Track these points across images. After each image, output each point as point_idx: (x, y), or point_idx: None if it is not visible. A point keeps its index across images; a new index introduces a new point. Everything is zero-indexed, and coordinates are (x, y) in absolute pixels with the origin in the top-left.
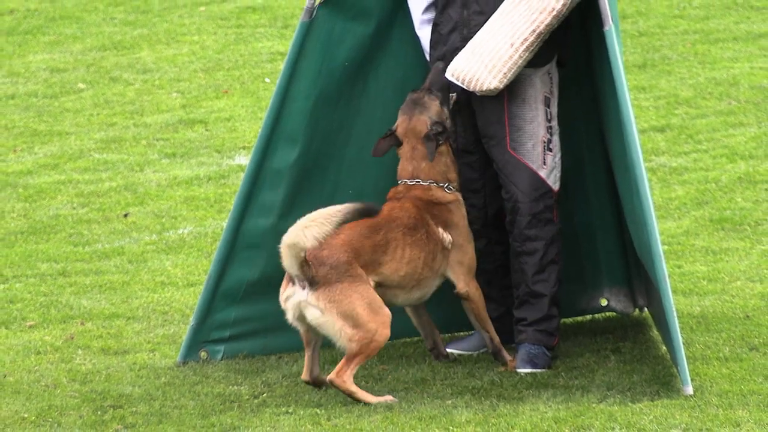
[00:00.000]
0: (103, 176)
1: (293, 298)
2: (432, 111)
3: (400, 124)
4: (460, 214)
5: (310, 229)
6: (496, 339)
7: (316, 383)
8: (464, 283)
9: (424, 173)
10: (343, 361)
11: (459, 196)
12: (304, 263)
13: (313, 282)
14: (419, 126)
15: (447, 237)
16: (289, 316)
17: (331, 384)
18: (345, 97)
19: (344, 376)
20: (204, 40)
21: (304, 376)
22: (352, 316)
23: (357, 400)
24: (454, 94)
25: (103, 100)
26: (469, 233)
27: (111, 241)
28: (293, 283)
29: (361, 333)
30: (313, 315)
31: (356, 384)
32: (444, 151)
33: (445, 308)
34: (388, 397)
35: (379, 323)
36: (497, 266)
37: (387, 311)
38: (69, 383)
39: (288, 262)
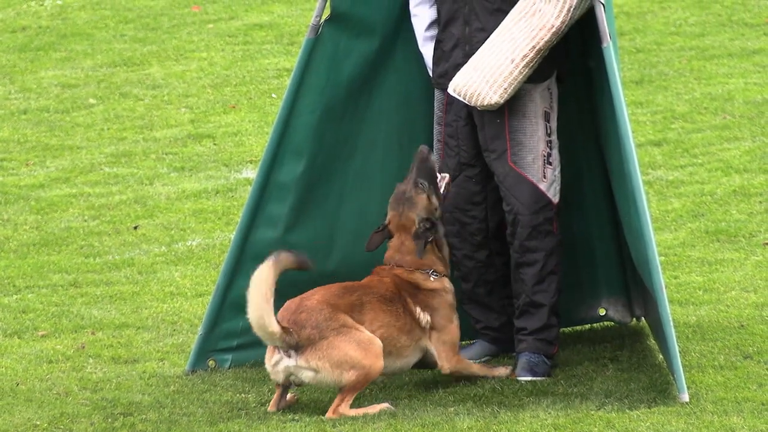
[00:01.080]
0: (113, 189)
1: (281, 363)
2: (419, 207)
3: (392, 219)
4: (441, 300)
5: (256, 288)
6: (491, 374)
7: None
8: (447, 362)
9: (407, 264)
10: (338, 398)
11: (445, 282)
12: (284, 333)
13: (297, 347)
14: (408, 224)
15: (425, 318)
16: (279, 379)
17: (329, 419)
18: (349, 111)
19: (341, 410)
20: (212, 56)
21: (272, 408)
22: (346, 362)
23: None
24: (446, 176)
25: (114, 115)
26: (452, 313)
27: (121, 253)
28: (278, 351)
29: (357, 371)
30: (308, 377)
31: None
32: (430, 249)
33: None
34: (384, 405)
35: (372, 357)
36: (498, 276)
37: (377, 342)
38: (80, 391)
39: (267, 340)
